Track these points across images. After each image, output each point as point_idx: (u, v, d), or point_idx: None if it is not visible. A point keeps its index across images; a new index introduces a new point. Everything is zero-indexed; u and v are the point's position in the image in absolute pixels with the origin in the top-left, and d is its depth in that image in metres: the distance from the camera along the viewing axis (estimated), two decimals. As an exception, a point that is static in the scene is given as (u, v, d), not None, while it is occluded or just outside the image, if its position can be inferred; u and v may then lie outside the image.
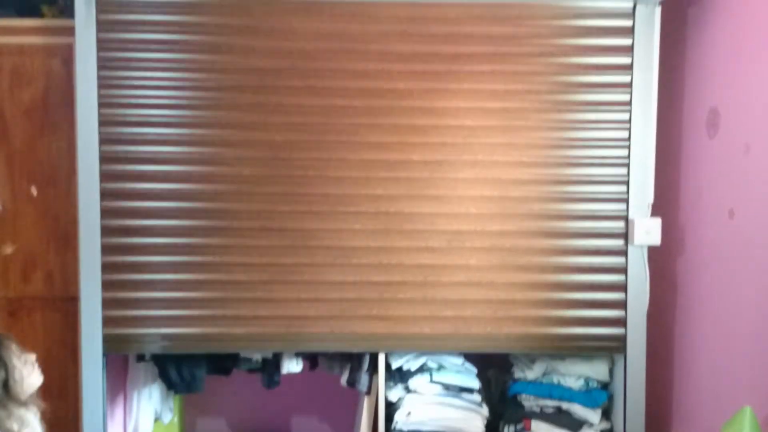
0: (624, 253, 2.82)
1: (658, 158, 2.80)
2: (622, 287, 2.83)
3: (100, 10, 2.65)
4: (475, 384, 2.95)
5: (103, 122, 2.68)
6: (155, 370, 3.00)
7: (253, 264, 2.77)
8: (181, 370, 2.94)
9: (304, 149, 2.74)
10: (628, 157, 2.79)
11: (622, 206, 2.81)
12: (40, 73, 2.90)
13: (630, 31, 2.76)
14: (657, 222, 2.79)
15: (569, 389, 2.93)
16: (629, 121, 2.78)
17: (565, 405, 2.93)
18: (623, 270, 2.82)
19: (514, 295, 2.82)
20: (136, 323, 2.76)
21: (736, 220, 2.52)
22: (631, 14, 2.75)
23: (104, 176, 2.70)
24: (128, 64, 2.70)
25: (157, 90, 2.71)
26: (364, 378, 2.91)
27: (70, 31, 2.70)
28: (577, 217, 2.81)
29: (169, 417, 3.21)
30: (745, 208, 2.47)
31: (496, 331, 2.82)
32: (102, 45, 2.67)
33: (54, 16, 2.94)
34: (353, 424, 3.24)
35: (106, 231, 2.71)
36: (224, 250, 2.76)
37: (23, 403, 2.06)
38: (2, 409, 2.01)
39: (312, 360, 3.09)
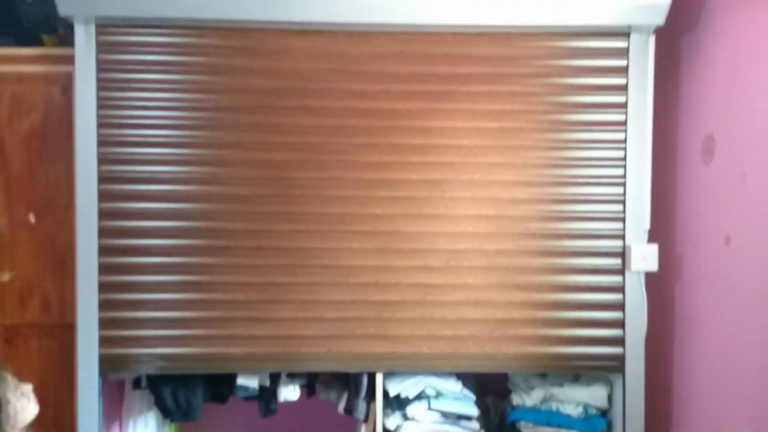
0: (621, 272, 2.83)
1: (654, 185, 2.82)
2: (620, 306, 2.83)
3: (99, 32, 2.69)
4: (474, 411, 2.93)
5: (101, 143, 2.70)
6: (151, 397, 2.98)
7: (251, 283, 2.77)
8: (177, 398, 2.92)
9: (302, 169, 2.76)
10: (624, 184, 2.81)
11: (620, 225, 2.82)
12: (40, 101, 2.91)
13: (625, 59, 2.79)
14: (654, 248, 2.80)
15: (568, 416, 2.91)
16: (624, 147, 2.80)
17: (564, 432, 2.92)
18: (621, 289, 2.83)
19: (512, 314, 2.82)
20: (133, 343, 2.75)
21: (733, 246, 2.52)
22: (626, 42, 2.78)
23: (102, 196, 2.70)
24: (127, 85, 2.72)
25: (156, 111, 2.73)
26: (361, 405, 2.89)
27: (70, 60, 2.73)
28: (574, 236, 2.82)
29: (165, 445, 3.19)
30: (741, 234, 2.48)
31: (495, 350, 2.82)
32: (102, 66, 2.70)
33: (54, 45, 2.96)
34: (351, 452, 3.22)
35: (103, 250, 2.71)
36: (222, 270, 2.76)
37: None
38: None
39: (309, 387, 3.07)
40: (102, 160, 2.71)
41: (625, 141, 2.80)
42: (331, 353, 2.80)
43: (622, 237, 2.82)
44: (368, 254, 2.79)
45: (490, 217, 2.80)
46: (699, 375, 2.75)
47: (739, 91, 2.50)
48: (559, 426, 2.91)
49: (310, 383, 3.05)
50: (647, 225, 2.82)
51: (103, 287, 2.72)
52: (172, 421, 3.05)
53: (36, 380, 2.21)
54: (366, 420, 2.92)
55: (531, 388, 2.98)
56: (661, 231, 2.89)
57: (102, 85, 2.70)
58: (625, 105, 2.79)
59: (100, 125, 2.70)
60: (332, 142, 2.76)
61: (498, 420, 3.11)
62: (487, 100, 2.78)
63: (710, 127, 2.68)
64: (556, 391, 2.94)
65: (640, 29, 2.76)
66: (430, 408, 2.89)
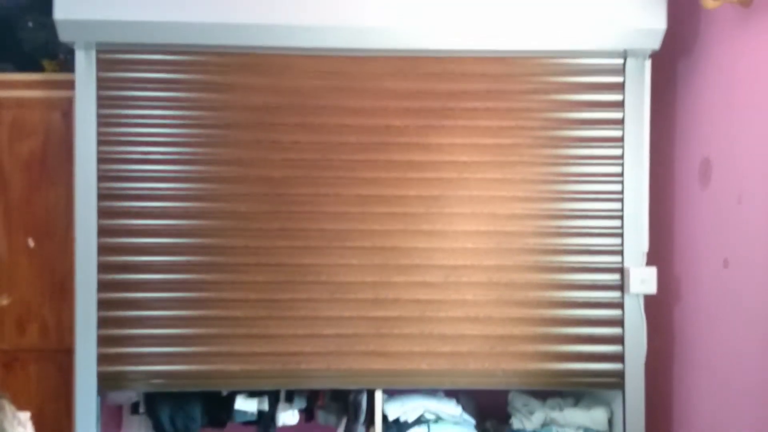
0: (620, 287, 2.83)
1: (652, 208, 2.83)
2: (619, 322, 2.83)
3: (100, 58, 2.71)
4: (474, 436, 2.92)
5: (101, 159, 2.72)
6: (149, 422, 2.96)
7: (250, 300, 2.77)
8: (176, 423, 2.90)
9: (300, 185, 2.77)
10: (622, 209, 2.82)
11: (618, 240, 2.83)
12: (40, 126, 2.92)
13: (621, 83, 2.81)
14: (652, 271, 2.80)
15: (568, 440, 2.90)
16: (621, 172, 2.82)
17: (564, 456, 2.91)
18: (620, 305, 2.83)
19: (512, 331, 2.81)
20: (131, 360, 2.75)
21: (731, 269, 2.53)
22: (622, 66, 2.80)
23: (101, 213, 2.72)
24: (127, 102, 2.74)
25: (155, 128, 2.76)
26: (360, 430, 2.88)
27: (70, 85, 2.75)
28: (573, 251, 2.83)
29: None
30: (739, 257, 2.48)
31: (494, 366, 2.81)
32: (101, 84, 2.72)
33: (54, 70, 2.98)
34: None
35: (102, 267, 2.72)
36: (221, 286, 2.76)
37: None
38: None
39: (308, 412, 3.05)
40: (101, 178, 2.72)
41: (622, 166, 2.82)
42: (330, 370, 2.79)
43: (621, 252, 2.82)
44: (367, 270, 2.79)
45: (489, 233, 2.81)
46: (699, 395, 2.74)
47: (735, 115, 2.52)
48: (559, 449, 2.90)
49: (309, 407, 3.04)
50: (646, 248, 2.83)
51: (101, 304, 2.72)
52: (170, 446, 3.03)
53: (34, 406, 2.19)
54: (365, 444, 2.91)
55: (531, 412, 2.97)
56: (659, 253, 2.89)
57: (102, 102, 2.72)
58: (622, 128, 2.82)
59: (99, 142, 2.72)
60: (331, 158, 2.78)
61: (498, 444, 3.10)
62: (485, 116, 2.80)
63: (707, 151, 2.69)
64: (556, 415, 2.93)
65: (635, 53, 2.78)
66: (429, 432, 2.88)
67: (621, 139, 2.82)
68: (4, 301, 2.93)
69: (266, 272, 2.77)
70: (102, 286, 2.72)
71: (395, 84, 2.79)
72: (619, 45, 2.76)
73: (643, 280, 2.80)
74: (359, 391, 2.90)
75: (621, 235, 2.82)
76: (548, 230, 2.82)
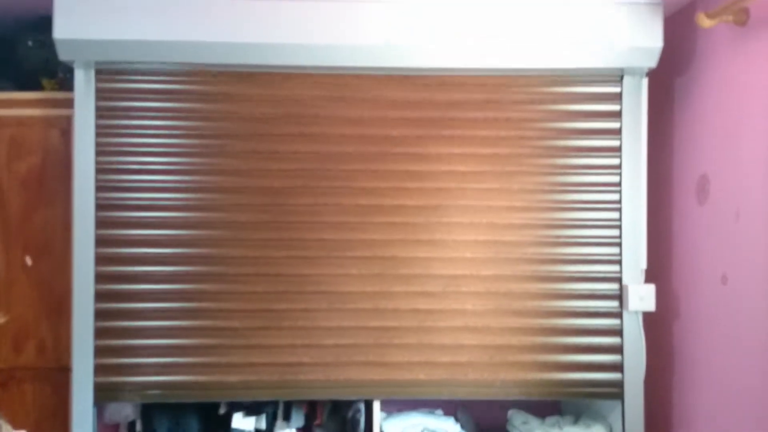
0: (618, 296, 2.82)
1: (650, 224, 2.83)
2: (618, 331, 2.83)
3: (99, 77, 2.73)
4: (473, 454, 2.91)
5: (99, 170, 2.72)
6: (146, 442, 2.95)
7: (248, 310, 2.76)
8: (173, 442, 2.89)
9: (299, 195, 2.77)
10: (620, 226, 2.82)
11: (616, 250, 2.83)
12: (38, 144, 2.93)
13: (618, 102, 2.83)
14: (651, 288, 2.80)
15: (567, 459, 2.89)
16: (619, 184, 2.83)
17: (563, 475, 2.89)
18: (618, 314, 2.82)
19: (510, 341, 2.81)
20: (128, 371, 2.73)
21: (730, 285, 2.53)
22: (619, 85, 2.82)
23: (99, 223, 2.71)
24: (125, 113, 2.75)
25: (154, 138, 2.76)
26: (358, 449, 2.86)
27: (69, 103, 2.76)
28: (571, 261, 2.83)
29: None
30: (737, 273, 2.49)
31: (493, 376, 2.80)
32: (100, 100, 2.73)
33: (53, 89, 2.99)
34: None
35: (99, 277, 2.71)
36: (219, 297, 2.75)
37: None
38: None
39: (306, 431, 3.03)
40: (100, 188, 2.72)
41: (619, 185, 2.83)
42: (329, 381, 2.78)
43: (619, 262, 2.82)
44: (366, 280, 2.79)
45: (487, 243, 2.81)
46: (698, 411, 2.73)
47: (732, 132, 2.53)
48: (559, 468, 2.89)
49: (307, 425, 3.02)
50: (644, 265, 2.83)
51: (99, 314, 2.71)
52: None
53: (30, 425, 2.19)
54: (363, 464, 2.89)
55: (530, 430, 2.95)
56: (658, 270, 2.89)
57: (101, 113, 2.73)
58: (619, 139, 2.83)
59: (98, 158, 2.73)
60: (330, 168, 2.78)
61: (497, 463, 3.08)
62: (484, 126, 2.81)
63: (704, 168, 2.70)
64: (556, 433, 2.92)
65: (633, 72, 2.80)
66: (428, 450, 2.87)
67: (618, 149, 2.83)
68: (2, 319, 2.92)
69: (265, 282, 2.77)
70: (99, 296, 2.71)
71: (394, 94, 2.80)
72: (616, 63, 2.77)
73: (642, 297, 2.80)
74: (357, 409, 2.89)
75: (619, 245, 2.82)
76: (546, 240, 2.82)
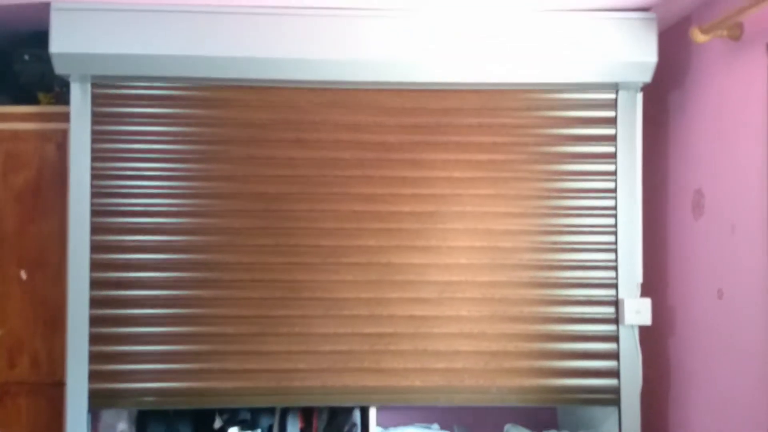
0: (614, 302, 2.82)
1: (645, 239, 2.83)
2: (614, 338, 2.82)
3: (95, 91, 2.73)
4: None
5: (95, 176, 2.72)
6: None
7: (244, 316, 2.75)
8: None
9: (294, 201, 2.78)
10: (616, 242, 2.83)
11: (612, 255, 2.83)
12: (34, 158, 2.93)
13: (613, 116, 2.84)
14: (647, 302, 2.80)
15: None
16: (615, 214, 2.83)
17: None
18: (614, 320, 2.82)
19: (506, 347, 2.80)
20: (123, 378, 2.72)
21: (726, 299, 2.53)
22: (614, 99, 2.83)
23: (94, 229, 2.71)
24: (122, 119, 2.76)
25: (150, 144, 2.76)
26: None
27: (65, 117, 2.76)
28: (567, 267, 2.83)
29: None
30: (733, 287, 2.49)
31: (489, 382, 2.79)
32: (96, 115, 2.73)
33: (49, 103, 2.99)
34: None
35: (94, 283, 2.70)
36: (214, 303, 2.75)
37: None
38: None
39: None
40: (95, 194, 2.72)
41: (615, 205, 2.83)
42: (324, 387, 2.77)
43: (615, 268, 2.82)
44: (362, 286, 2.78)
45: (483, 249, 2.81)
46: (695, 424, 2.72)
47: (727, 146, 2.54)
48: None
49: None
50: (640, 279, 2.82)
51: (93, 321, 2.70)
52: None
53: (24, 440, 2.18)
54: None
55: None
56: (654, 285, 2.89)
57: (96, 137, 2.73)
58: (614, 162, 2.84)
59: (93, 164, 2.73)
60: (326, 174, 2.79)
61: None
62: (479, 132, 2.82)
63: (699, 182, 2.71)
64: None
65: (627, 86, 2.81)
66: (425, 465, 2.86)
67: (614, 162, 2.83)
68: (-1, 333, 2.91)
69: (260, 288, 2.76)
70: (94, 302, 2.70)
71: (390, 101, 2.80)
72: (610, 78, 2.78)
73: (638, 311, 2.79)
74: (353, 423, 2.88)
75: (615, 255, 2.82)
76: (542, 246, 2.82)
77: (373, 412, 2.83)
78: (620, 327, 2.81)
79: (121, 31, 2.66)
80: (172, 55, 2.68)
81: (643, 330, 2.83)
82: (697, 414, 2.71)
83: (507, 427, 3.05)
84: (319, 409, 2.91)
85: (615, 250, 2.82)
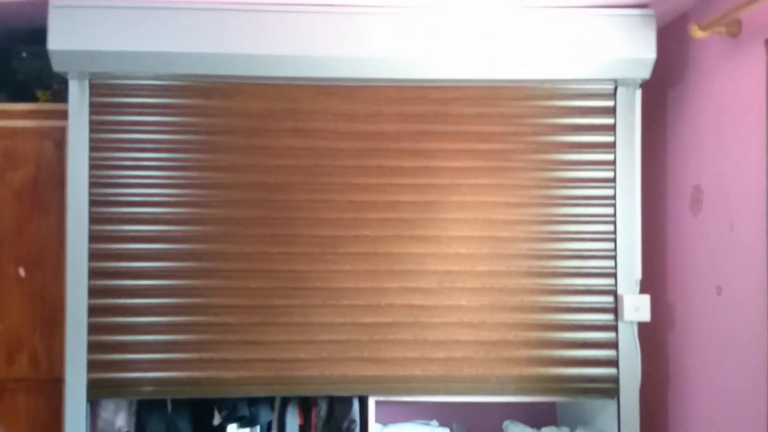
0: (614, 292, 2.82)
1: (644, 235, 2.83)
2: (613, 327, 2.82)
3: (93, 87, 2.73)
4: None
5: (93, 166, 2.72)
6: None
7: (243, 306, 2.75)
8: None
9: (293, 191, 2.77)
10: (615, 231, 2.82)
11: (611, 245, 2.83)
12: (32, 156, 2.93)
13: (612, 112, 2.84)
14: (645, 299, 2.80)
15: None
16: (614, 204, 2.83)
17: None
18: (613, 309, 2.82)
19: (506, 336, 2.80)
20: (123, 367, 2.72)
21: (724, 296, 2.53)
22: (613, 96, 2.83)
23: (93, 219, 2.70)
24: (120, 110, 2.75)
25: (148, 134, 2.76)
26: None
27: (63, 115, 2.76)
28: (566, 257, 2.83)
29: None
30: (732, 284, 2.49)
31: (488, 372, 2.79)
32: (94, 107, 2.73)
33: (47, 100, 2.99)
34: None
35: (93, 273, 2.70)
36: (213, 292, 2.75)
37: None
38: None
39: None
40: (93, 184, 2.72)
41: (614, 198, 2.83)
42: (324, 377, 2.76)
43: (614, 257, 2.82)
44: (360, 276, 2.78)
45: (482, 238, 2.81)
46: (693, 420, 2.73)
47: (726, 143, 2.54)
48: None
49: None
50: (639, 275, 2.82)
51: (92, 311, 2.70)
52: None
53: (23, 437, 2.18)
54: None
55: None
56: (652, 281, 2.89)
57: (94, 134, 2.73)
58: (613, 160, 2.83)
59: (92, 153, 2.72)
60: (324, 164, 2.78)
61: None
62: (478, 121, 2.81)
63: (698, 179, 2.71)
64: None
65: (626, 83, 2.81)
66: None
67: (612, 162, 2.84)
68: (-4, 329, 2.91)
69: (259, 278, 2.76)
70: (93, 292, 2.70)
71: (388, 90, 2.80)
72: (609, 74, 2.78)
73: (637, 307, 2.79)
74: (352, 420, 2.87)
75: (614, 254, 2.83)
76: (542, 236, 2.82)
77: (372, 409, 2.83)
78: (619, 323, 2.81)
79: (119, 28, 2.66)
80: (171, 52, 2.68)
81: (642, 326, 2.83)
82: (695, 410, 2.72)
83: (506, 423, 3.05)
84: (318, 406, 2.91)
85: (614, 240, 2.82)
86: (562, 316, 2.81)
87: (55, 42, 2.63)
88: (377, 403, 2.85)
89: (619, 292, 2.81)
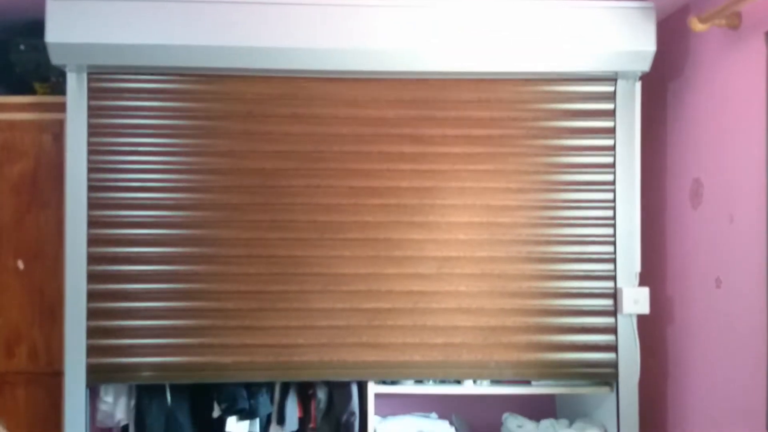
0: (613, 278, 2.82)
1: (643, 228, 2.83)
2: (612, 312, 2.82)
3: (91, 80, 2.73)
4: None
5: (91, 151, 2.71)
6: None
7: (242, 292, 2.75)
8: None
9: (292, 177, 2.77)
10: (614, 216, 2.82)
11: (610, 231, 2.82)
12: (31, 148, 2.93)
13: (612, 104, 2.84)
14: (645, 291, 2.80)
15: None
16: (614, 189, 2.83)
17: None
18: (612, 295, 2.82)
19: (505, 322, 2.80)
20: (121, 352, 2.71)
21: (724, 288, 2.53)
22: (613, 88, 2.83)
23: (91, 204, 2.70)
24: (119, 95, 2.75)
25: (146, 119, 2.76)
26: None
27: (61, 107, 2.76)
28: (565, 242, 2.83)
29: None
30: (731, 276, 2.49)
31: (487, 357, 2.79)
32: (92, 101, 2.73)
33: (46, 93, 2.99)
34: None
35: (92, 259, 2.70)
36: (212, 278, 2.75)
37: None
38: None
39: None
40: (92, 169, 2.72)
41: (614, 196, 2.83)
42: (323, 362, 2.76)
43: (613, 243, 2.82)
44: (360, 262, 2.78)
45: (481, 224, 2.80)
46: (692, 411, 2.73)
47: (725, 135, 2.54)
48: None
49: (301, 429, 3.00)
50: (638, 268, 2.83)
51: (91, 296, 2.69)
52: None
53: (23, 430, 2.18)
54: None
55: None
56: (652, 274, 2.89)
57: (93, 131, 2.72)
58: (613, 145, 2.83)
59: (90, 138, 2.72)
60: (323, 150, 2.78)
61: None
62: (477, 107, 2.81)
63: (698, 171, 2.71)
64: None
65: (626, 76, 2.81)
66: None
67: (612, 148, 2.83)
68: (-4, 321, 2.91)
69: (258, 264, 2.76)
70: (92, 277, 2.70)
71: (390, 81, 2.79)
72: (609, 67, 2.78)
73: (636, 300, 2.79)
74: (351, 412, 2.88)
75: (614, 238, 2.82)
76: (541, 221, 2.82)
77: (371, 401, 2.83)
78: (618, 316, 2.81)
79: (117, 21, 2.66)
80: (170, 45, 2.68)
81: (642, 318, 2.83)
82: (694, 401, 2.72)
83: (505, 415, 3.06)
84: (317, 398, 2.91)
85: (613, 225, 2.82)
86: (561, 302, 2.82)
87: (53, 35, 2.63)
88: (376, 395, 2.85)
89: (619, 285, 2.81)
